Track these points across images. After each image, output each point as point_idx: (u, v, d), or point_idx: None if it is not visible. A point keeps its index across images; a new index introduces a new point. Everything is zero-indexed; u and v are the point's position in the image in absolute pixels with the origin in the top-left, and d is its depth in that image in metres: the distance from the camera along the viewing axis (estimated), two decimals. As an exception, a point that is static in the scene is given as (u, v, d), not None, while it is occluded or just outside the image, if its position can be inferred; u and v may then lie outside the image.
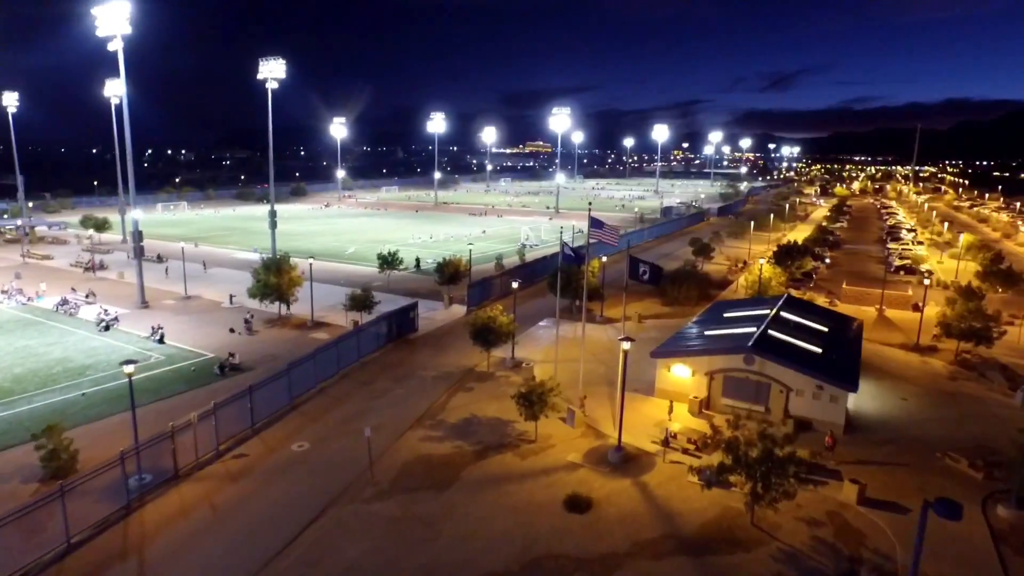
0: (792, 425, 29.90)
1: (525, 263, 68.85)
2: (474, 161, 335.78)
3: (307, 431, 31.49)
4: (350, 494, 25.76)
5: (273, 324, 50.09)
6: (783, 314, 38.12)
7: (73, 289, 59.69)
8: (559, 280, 40.24)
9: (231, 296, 57.08)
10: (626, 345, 27.28)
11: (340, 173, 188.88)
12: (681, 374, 33.42)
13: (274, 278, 48.97)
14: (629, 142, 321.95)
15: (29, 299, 57.15)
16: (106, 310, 51.85)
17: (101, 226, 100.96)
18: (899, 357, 43.17)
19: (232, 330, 47.62)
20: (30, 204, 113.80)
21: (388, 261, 62.65)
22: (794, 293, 60.00)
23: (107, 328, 48.13)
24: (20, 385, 37.24)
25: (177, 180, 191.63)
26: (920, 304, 51.06)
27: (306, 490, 26.08)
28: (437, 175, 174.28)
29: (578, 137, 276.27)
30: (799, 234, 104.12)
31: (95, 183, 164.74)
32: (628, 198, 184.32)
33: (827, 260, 79.29)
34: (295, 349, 41.86)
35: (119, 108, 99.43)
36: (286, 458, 28.84)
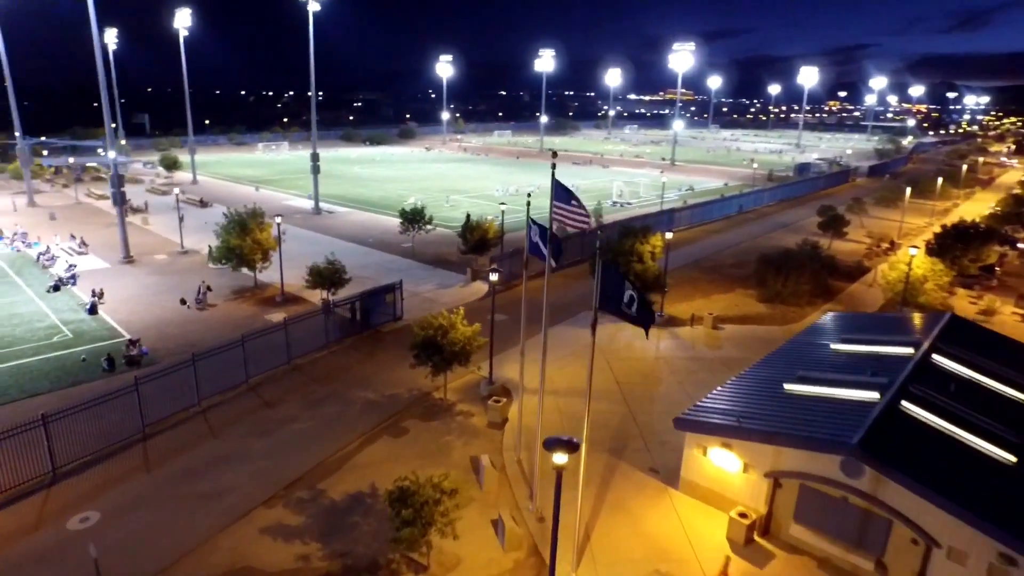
0: (929, 614, 14.87)
1: (585, 231, 53.95)
2: (604, 107, 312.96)
3: (120, 489, 20.81)
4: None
5: (238, 296, 40.34)
6: (938, 359, 21.77)
7: (73, 236, 53.78)
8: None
9: (219, 254, 48.29)
10: (561, 459, 13.06)
11: (445, 115, 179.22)
12: (725, 465, 18.92)
13: (235, 239, 38.88)
14: (775, 90, 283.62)
15: (28, 245, 51.93)
16: (72, 266, 44.72)
17: (171, 165, 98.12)
18: None
19: (183, 301, 38.39)
20: (123, 141, 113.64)
21: (412, 219, 50.86)
22: (963, 301, 41.37)
23: (57, 288, 40.69)
24: None
25: (285, 120, 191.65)
26: None
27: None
28: (543, 119, 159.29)
29: (716, 83, 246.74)
30: (978, 204, 79.76)
31: (206, 121, 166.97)
32: (762, 151, 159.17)
33: (1020, 244, 57.27)
34: (232, 334, 31.40)
35: (186, 41, 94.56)
36: (41, 547, 18.32)
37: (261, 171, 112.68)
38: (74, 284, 41.72)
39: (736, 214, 72.27)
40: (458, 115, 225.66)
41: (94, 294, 38.33)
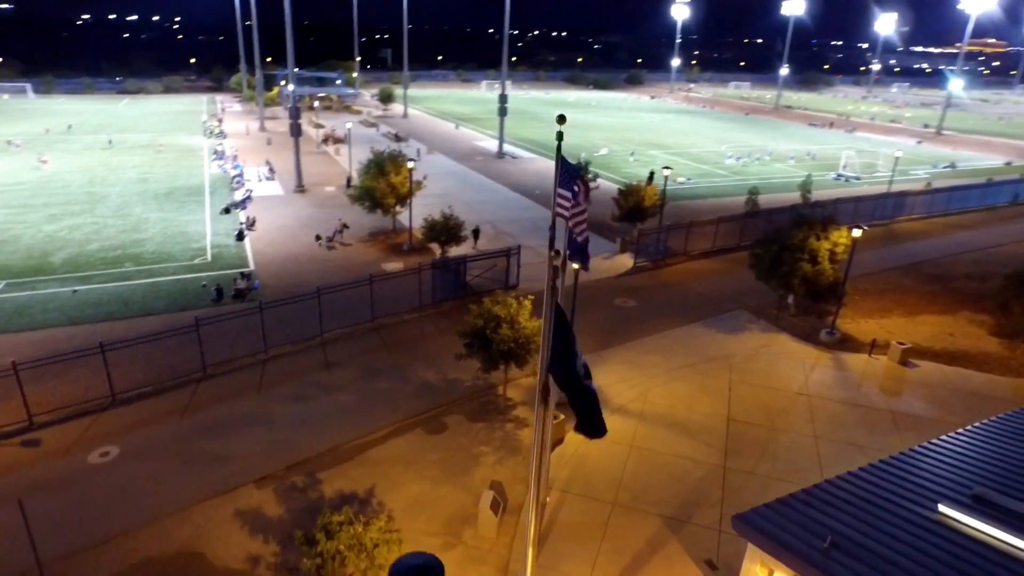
0: None
1: (774, 209, 44.33)
2: (889, 61, 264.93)
3: (149, 430, 20.58)
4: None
5: (372, 238, 39.86)
6: None
7: (268, 162, 58.21)
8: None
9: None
10: None
11: (675, 62, 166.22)
12: (794, 603, 12.70)
13: (370, 181, 37.97)
14: None
15: (234, 167, 57.35)
16: (248, 191, 48.06)
17: (387, 99, 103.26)
18: None
19: (318, 237, 38.87)
20: (355, 74, 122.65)
21: (574, 176, 46.17)
22: None
23: (227, 211, 43.89)
24: (64, 264, 34.23)
25: (515, 59, 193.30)
26: None
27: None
28: (784, 71, 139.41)
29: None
30: None
31: (439, 57, 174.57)
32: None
33: None
34: (344, 278, 30.60)
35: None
36: (58, 473, 18.53)
37: (472, 109, 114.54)
38: (244, 208, 44.64)
39: (1006, 205, 55.69)
40: (694, 62, 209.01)
41: (246, 221, 40.43)
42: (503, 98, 68.10)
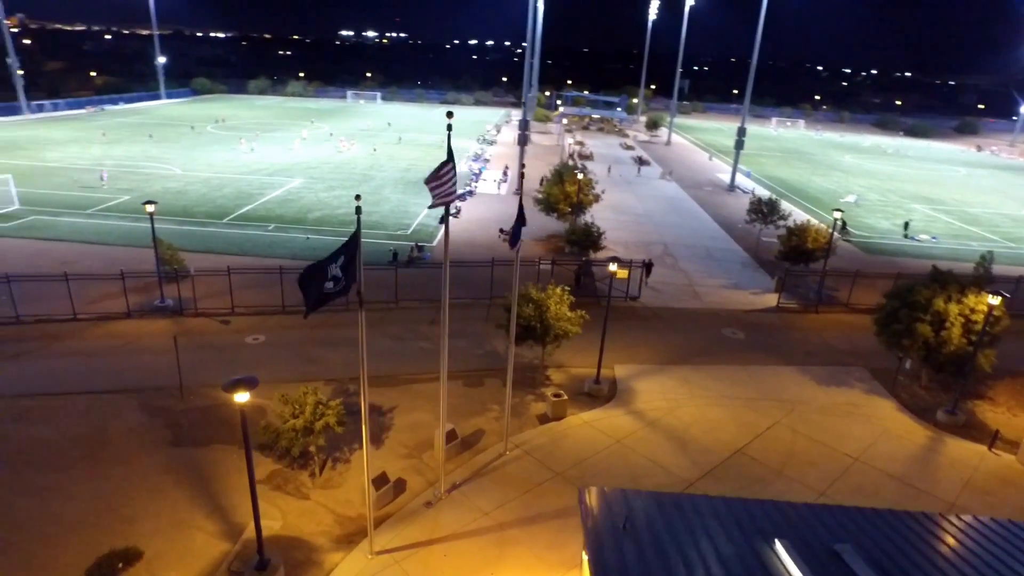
0: None
1: (1008, 278, 37.26)
2: None
3: (290, 332, 28.42)
4: (138, 398, 22.73)
5: (547, 239, 44.58)
6: None
7: (505, 167, 66.76)
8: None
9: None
10: (242, 397, 12.76)
11: (1023, 109, 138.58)
12: (594, 565, 14.08)
13: (548, 188, 42.77)
14: None
15: (480, 168, 67.04)
16: (473, 188, 56.54)
17: (653, 125, 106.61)
18: None
19: (501, 231, 45.04)
20: (635, 100, 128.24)
21: (763, 212, 45.27)
22: None
23: (448, 199, 52.64)
24: (314, 220, 45.87)
25: (817, 97, 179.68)
26: None
27: (123, 372, 24.26)
28: None
29: None
30: None
31: (734, 91, 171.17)
32: None
33: None
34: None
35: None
36: (222, 344, 27.18)
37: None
38: (463, 200, 53.06)
39: None
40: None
41: (453, 210, 48.40)
42: (741, 131, 67.19)
